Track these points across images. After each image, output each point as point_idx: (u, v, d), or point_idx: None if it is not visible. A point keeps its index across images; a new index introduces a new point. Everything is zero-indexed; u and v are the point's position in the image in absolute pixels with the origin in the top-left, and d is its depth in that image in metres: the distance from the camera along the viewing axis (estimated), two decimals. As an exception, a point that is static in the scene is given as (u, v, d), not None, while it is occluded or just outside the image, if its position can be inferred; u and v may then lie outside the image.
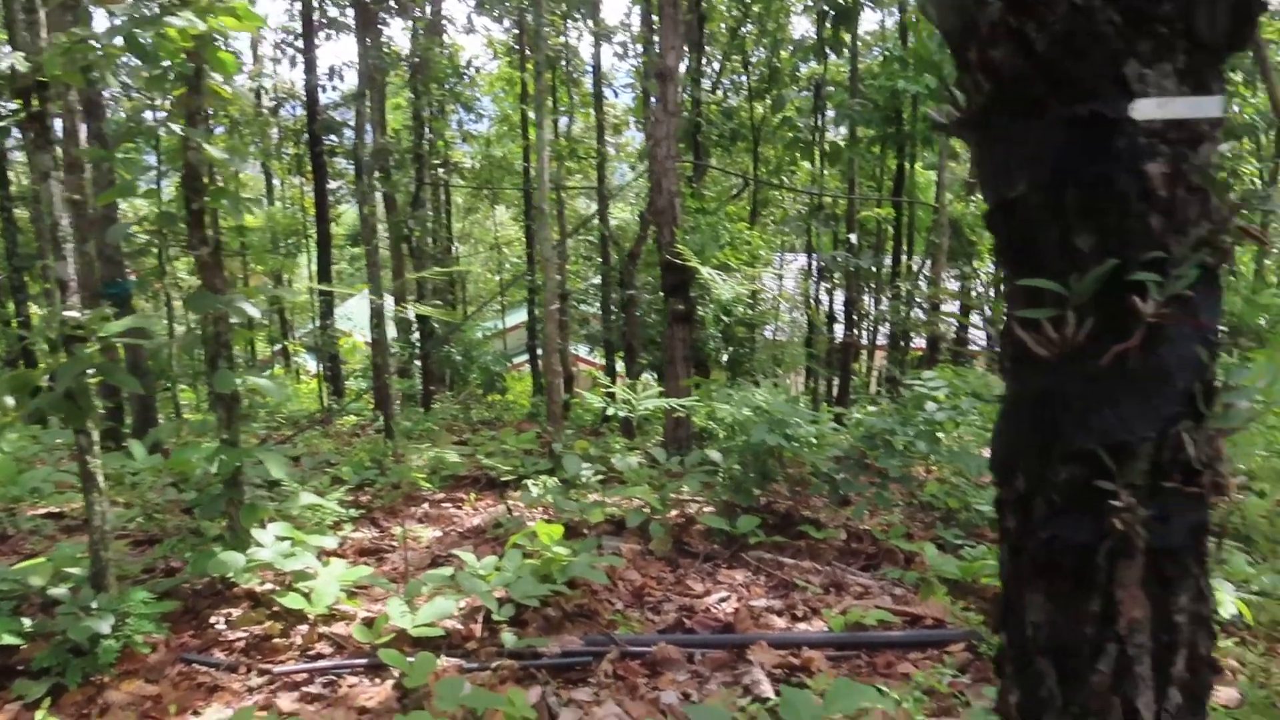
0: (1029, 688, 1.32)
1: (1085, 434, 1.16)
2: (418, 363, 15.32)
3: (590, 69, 15.29)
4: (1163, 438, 1.16)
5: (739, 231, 11.56)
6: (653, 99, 8.18)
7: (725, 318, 8.15)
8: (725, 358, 10.77)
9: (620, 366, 13.65)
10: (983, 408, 6.92)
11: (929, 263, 13.90)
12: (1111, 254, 1.10)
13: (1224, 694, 3.46)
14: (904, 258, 16.53)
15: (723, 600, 4.64)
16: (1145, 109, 1.03)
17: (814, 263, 12.64)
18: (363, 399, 14.34)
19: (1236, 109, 17.52)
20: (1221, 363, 1.22)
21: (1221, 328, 1.17)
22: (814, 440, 5.86)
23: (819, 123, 16.64)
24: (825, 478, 5.64)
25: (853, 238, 12.58)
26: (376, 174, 11.44)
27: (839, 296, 14.69)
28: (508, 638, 3.73)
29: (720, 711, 2.38)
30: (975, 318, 20.81)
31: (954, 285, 17.00)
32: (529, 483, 6.39)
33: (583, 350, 18.93)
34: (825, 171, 17.11)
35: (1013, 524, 1.30)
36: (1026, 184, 1.13)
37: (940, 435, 6.33)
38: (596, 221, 13.80)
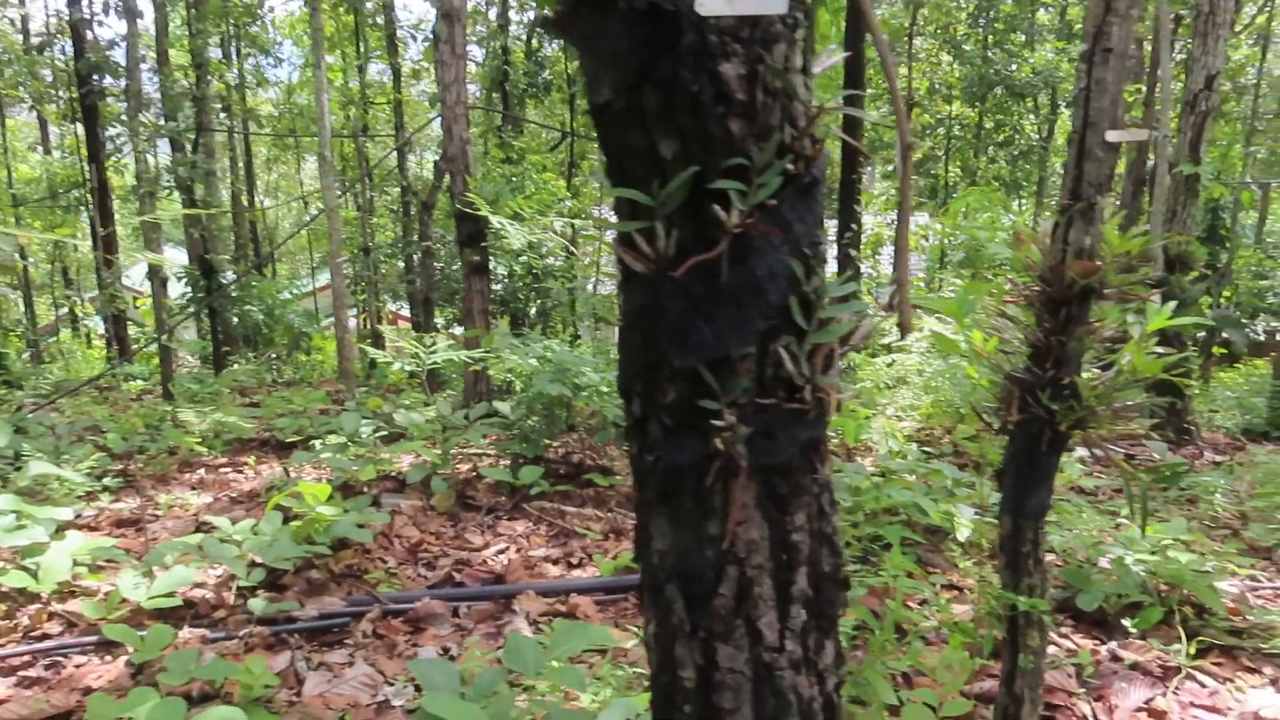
0: (662, 616, 1.29)
1: (685, 351, 1.11)
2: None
3: (385, 9, 14.63)
4: (763, 354, 1.13)
5: (545, 182, 11.40)
6: (441, 41, 7.84)
7: (516, 267, 7.99)
8: (534, 310, 10.65)
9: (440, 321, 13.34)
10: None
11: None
12: (694, 161, 1.05)
13: (960, 609, 3.67)
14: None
15: (500, 552, 4.57)
16: (710, 4, 0.98)
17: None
18: (152, 362, 13.43)
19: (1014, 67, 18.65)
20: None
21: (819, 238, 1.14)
22: (604, 389, 5.86)
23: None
24: (609, 424, 5.65)
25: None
26: (157, 118, 10.59)
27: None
28: (256, 604, 3.52)
29: (443, 664, 2.30)
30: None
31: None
32: (317, 443, 6.13)
33: (407, 308, 18.39)
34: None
35: (635, 449, 1.25)
36: (611, 87, 1.06)
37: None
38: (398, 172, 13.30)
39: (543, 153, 20.48)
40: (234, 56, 17.94)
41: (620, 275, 1.19)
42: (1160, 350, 2.09)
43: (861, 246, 16.05)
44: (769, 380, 1.15)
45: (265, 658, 3.20)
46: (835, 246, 13.64)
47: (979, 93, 18.71)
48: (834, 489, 1.30)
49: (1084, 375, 2.04)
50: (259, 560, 3.83)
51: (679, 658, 1.28)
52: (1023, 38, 20.18)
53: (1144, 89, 15.92)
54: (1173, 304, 2.07)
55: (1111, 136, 1.88)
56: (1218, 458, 7.27)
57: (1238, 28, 18.38)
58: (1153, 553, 3.79)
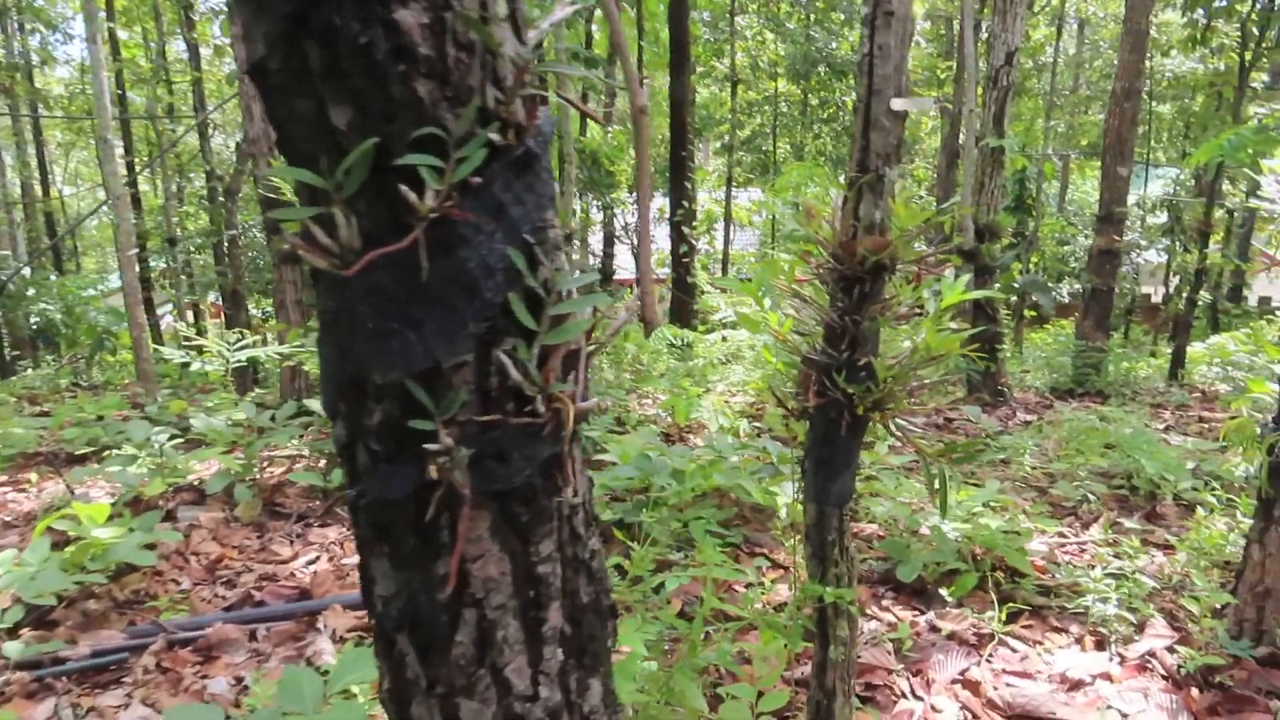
0: (395, 671, 1.10)
1: (386, 363, 0.92)
2: None
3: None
4: (484, 361, 0.95)
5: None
6: (236, 14, 7.26)
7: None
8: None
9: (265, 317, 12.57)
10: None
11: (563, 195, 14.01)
12: (373, 132, 0.85)
13: (784, 591, 3.63)
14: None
15: (311, 563, 4.26)
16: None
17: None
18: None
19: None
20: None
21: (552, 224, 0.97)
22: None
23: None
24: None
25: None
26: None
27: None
28: (13, 647, 3.12)
29: (204, 711, 2.04)
30: (623, 248, 21.47)
31: (597, 215, 17.31)
32: (115, 453, 5.58)
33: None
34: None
35: (346, 478, 1.05)
36: (265, 41, 0.85)
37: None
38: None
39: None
40: (15, 32, 16.38)
41: (309, 274, 0.99)
42: (955, 326, 2.03)
43: (696, 223, 16.17)
44: (494, 392, 0.97)
45: (23, 709, 2.83)
46: (669, 224, 13.65)
47: (803, 70, 19.11)
48: (589, 506, 1.14)
49: (882, 355, 1.97)
50: (17, 596, 3.40)
51: (417, 718, 1.09)
52: (842, 16, 20.75)
53: (955, 66, 16.62)
54: (970, 277, 2.02)
55: (897, 105, 1.80)
56: (1028, 417, 7.63)
57: (1036, 7, 19.48)
58: (965, 520, 3.86)
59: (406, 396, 0.94)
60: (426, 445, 0.94)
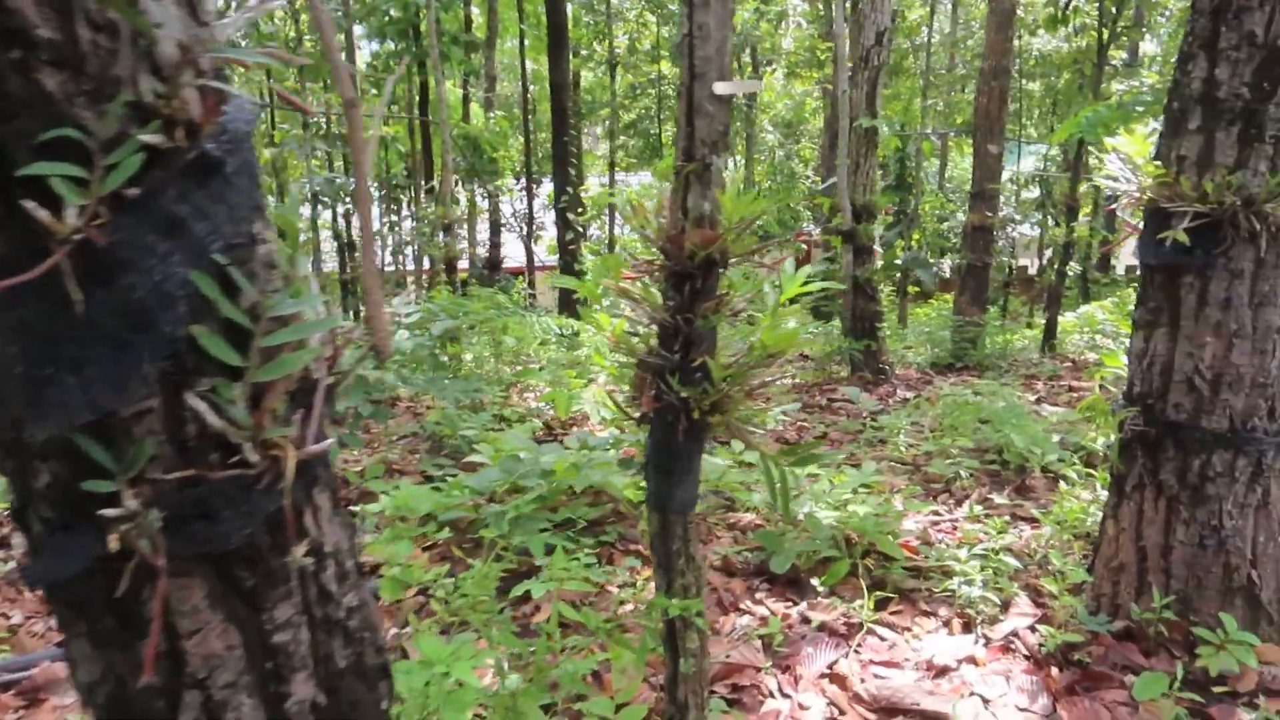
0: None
1: (42, 416, 0.76)
2: None
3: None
4: (176, 406, 0.80)
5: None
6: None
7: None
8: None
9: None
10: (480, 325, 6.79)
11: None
12: (-10, 135, 0.69)
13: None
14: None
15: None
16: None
17: (309, 186, 11.70)
18: None
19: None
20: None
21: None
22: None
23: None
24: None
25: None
26: None
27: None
28: None
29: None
30: (511, 236, 21.15)
31: (483, 204, 16.95)
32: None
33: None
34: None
35: (27, 550, 0.89)
36: None
37: (441, 362, 6.10)
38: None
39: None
40: None
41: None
42: (795, 321, 1.95)
43: (583, 210, 16.03)
44: (192, 442, 0.81)
45: None
46: (554, 211, 13.45)
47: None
48: (347, 557, 1.00)
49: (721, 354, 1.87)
50: None
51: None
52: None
53: (834, 47, 16.82)
54: (807, 269, 1.93)
55: (720, 89, 1.69)
56: (908, 394, 7.74)
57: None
58: (838, 506, 3.84)
59: (77, 454, 0.78)
60: (105, 510, 0.78)
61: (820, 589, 3.43)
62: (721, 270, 1.79)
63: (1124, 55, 16.11)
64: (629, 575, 3.57)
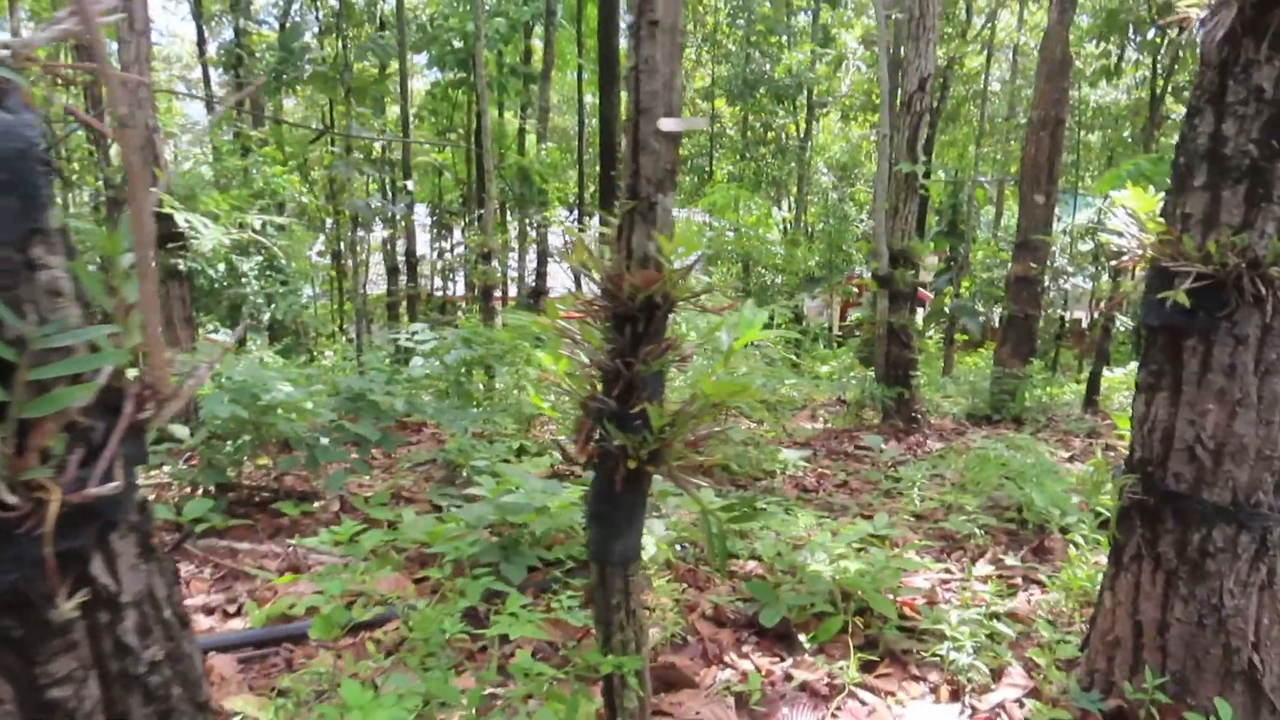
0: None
1: None
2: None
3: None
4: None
5: (276, 175, 10.58)
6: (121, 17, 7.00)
7: (208, 269, 7.25)
8: (266, 318, 9.84)
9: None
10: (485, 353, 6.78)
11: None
12: None
13: (654, 633, 3.45)
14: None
15: (160, 601, 4.00)
16: None
17: (349, 210, 11.89)
18: None
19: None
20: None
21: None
22: (308, 405, 5.34)
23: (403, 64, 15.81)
24: (302, 446, 5.13)
25: (409, 184, 12.00)
26: None
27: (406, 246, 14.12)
28: None
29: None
30: (560, 266, 21.28)
31: (532, 233, 17.09)
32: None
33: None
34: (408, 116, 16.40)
35: None
36: None
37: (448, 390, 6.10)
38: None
39: (304, 143, 19.36)
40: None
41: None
42: (745, 369, 1.88)
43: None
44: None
45: None
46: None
47: (741, 92, 19.14)
48: (155, 607, 0.95)
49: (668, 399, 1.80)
50: None
51: None
52: (782, 39, 20.86)
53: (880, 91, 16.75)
54: (760, 313, 1.86)
55: (666, 125, 1.64)
56: (939, 444, 7.56)
57: (970, 35, 19.75)
58: (838, 559, 3.72)
59: None
60: None
61: (808, 646, 3.31)
62: (669, 313, 1.73)
63: (1182, 109, 15.76)
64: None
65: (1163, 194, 2.60)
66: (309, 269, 11.75)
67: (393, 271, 13.94)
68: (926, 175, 8.30)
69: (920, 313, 21.37)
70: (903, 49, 7.82)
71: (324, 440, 5.22)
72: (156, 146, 7.20)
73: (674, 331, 1.78)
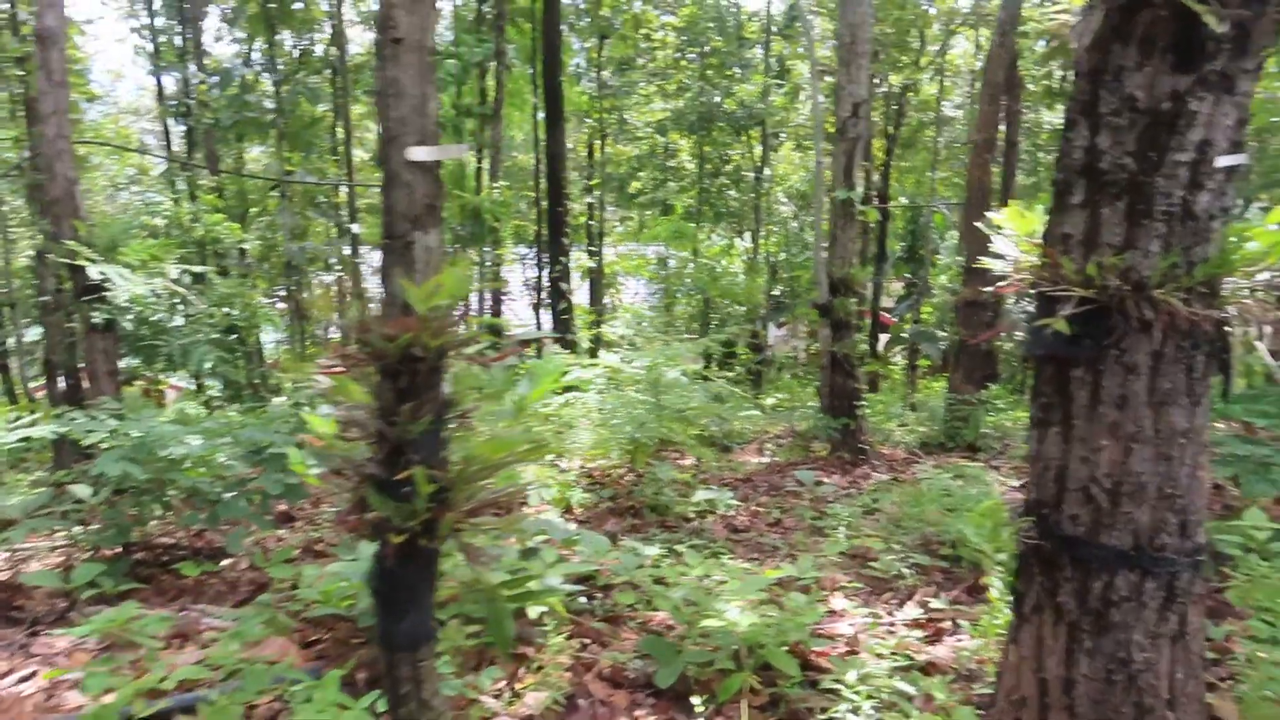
0: None
1: None
2: None
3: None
4: None
5: (215, 223, 10.32)
6: (39, 68, 6.80)
7: (124, 321, 6.95)
8: (208, 367, 9.54)
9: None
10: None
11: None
12: None
13: (531, 702, 3.19)
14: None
15: (26, 679, 3.69)
16: None
17: (287, 255, 11.63)
18: None
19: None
20: None
21: None
22: (219, 459, 5.07)
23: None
24: (205, 502, 4.85)
25: (354, 228, 11.76)
26: None
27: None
28: None
29: None
30: (518, 305, 21.08)
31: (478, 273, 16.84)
32: None
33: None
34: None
35: None
36: None
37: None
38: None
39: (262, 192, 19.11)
40: None
41: None
42: (524, 427, 1.65)
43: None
44: None
45: None
46: (547, 280, 13.29)
47: (693, 125, 19.09)
48: None
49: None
50: None
51: None
52: (737, 72, 20.87)
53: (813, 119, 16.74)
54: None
55: (417, 155, 1.42)
56: (886, 476, 7.34)
57: (922, 61, 19.83)
58: (746, 610, 3.48)
59: None
60: None
61: (701, 709, 3.05)
62: (438, 365, 1.50)
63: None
64: (508, 680, 3.23)
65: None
66: (258, 316, 11.47)
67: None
68: (866, 201, 8.15)
69: (883, 339, 21.30)
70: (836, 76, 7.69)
71: (226, 495, 4.95)
72: (76, 199, 6.97)
73: (467, 384, 1.55)
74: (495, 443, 1.48)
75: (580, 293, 21.90)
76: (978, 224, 8.52)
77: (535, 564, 3.56)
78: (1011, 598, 2.58)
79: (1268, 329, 2.24)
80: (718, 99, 17.88)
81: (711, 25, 18.47)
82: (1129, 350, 2.18)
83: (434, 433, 1.52)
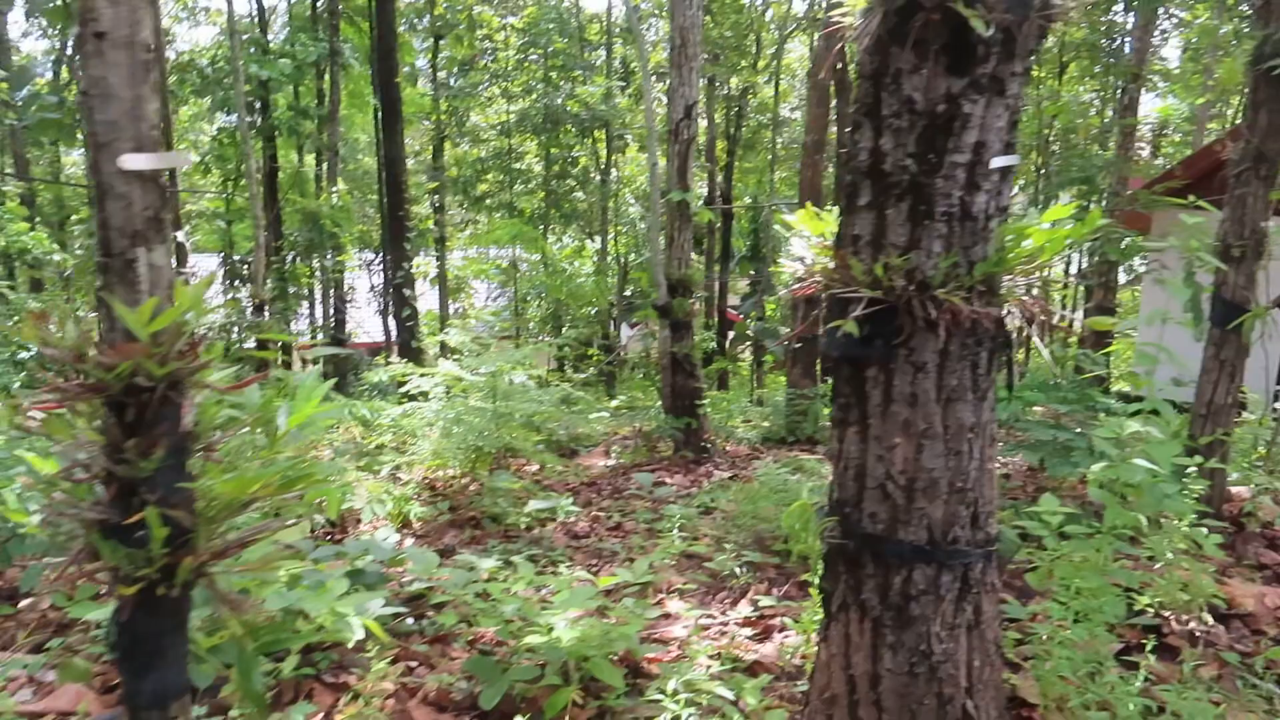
0: None
1: None
2: None
3: None
4: None
5: (19, 233, 9.56)
6: None
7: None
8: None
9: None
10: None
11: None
12: None
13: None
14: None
15: None
16: None
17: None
18: None
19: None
20: None
21: None
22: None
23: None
24: (-9, 541, 4.43)
25: (179, 235, 11.12)
26: None
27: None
28: None
29: None
30: (364, 312, 20.46)
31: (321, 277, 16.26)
32: None
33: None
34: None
35: None
36: None
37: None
38: None
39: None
40: None
41: None
42: (291, 454, 1.53)
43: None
44: None
45: None
46: (388, 286, 12.92)
47: (538, 128, 18.97)
48: None
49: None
50: None
51: None
52: (581, 73, 20.86)
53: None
54: (323, 384, 1.53)
55: (132, 163, 1.28)
56: (727, 473, 7.43)
57: (760, 65, 20.34)
58: (575, 621, 3.41)
59: None
60: None
61: (522, 729, 2.97)
62: (171, 396, 1.37)
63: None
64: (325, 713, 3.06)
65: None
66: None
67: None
68: (710, 202, 8.25)
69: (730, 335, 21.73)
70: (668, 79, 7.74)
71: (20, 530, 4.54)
72: None
73: (211, 414, 1.41)
74: (240, 479, 1.36)
75: (432, 297, 21.46)
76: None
77: (346, 597, 3.40)
78: (821, 596, 2.61)
79: (1042, 323, 2.32)
80: (560, 101, 17.79)
81: (552, 27, 18.37)
82: (917, 349, 2.23)
83: (172, 469, 1.39)
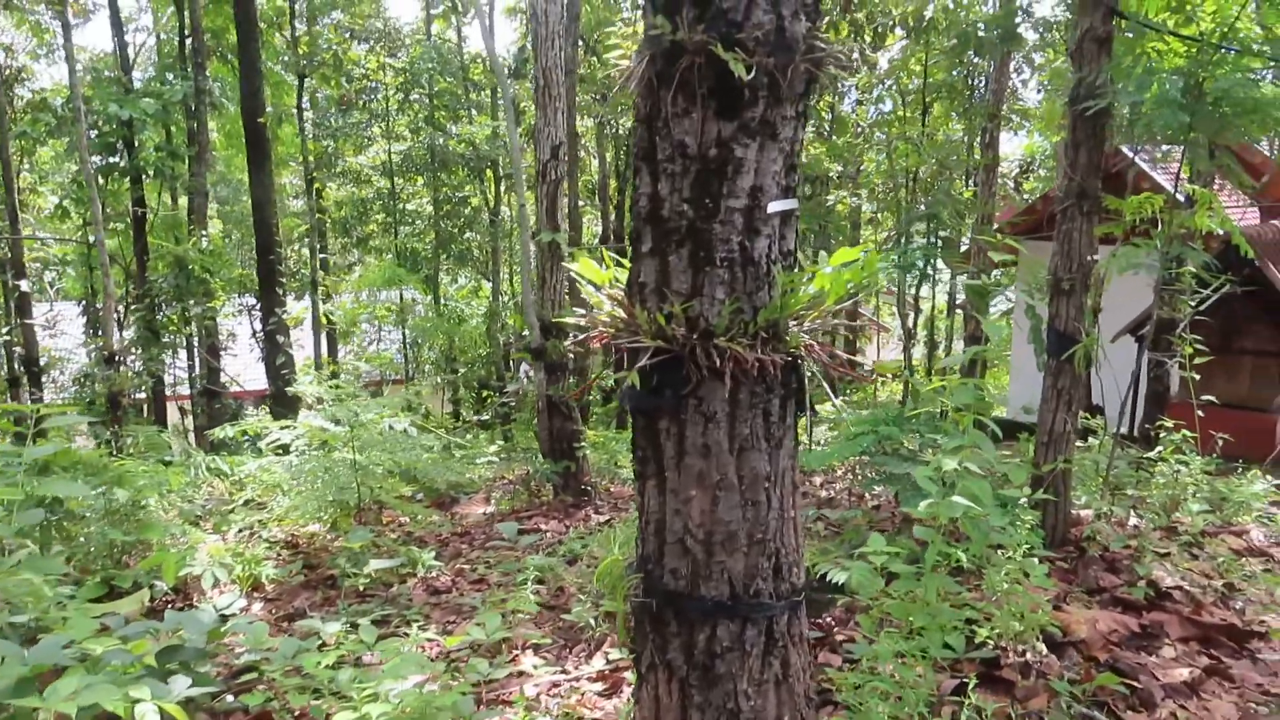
0: None
1: None
2: None
3: None
4: None
5: None
6: None
7: None
8: None
9: None
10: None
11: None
12: None
13: None
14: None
15: None
16: None
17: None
18: None
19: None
20: None
21: None
22: None
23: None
24: None
25: (24, 284, 10.53)
26: None
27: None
28: None
29: None
30: (247, 359, 19.77)
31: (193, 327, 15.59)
32: None
33: None
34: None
35: None
36: None
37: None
38: None
39: None
40: None
41: None
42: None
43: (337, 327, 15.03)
44: None
45: None
46: (263, 332, 12.49)
47: (425, 168, 18.75)
48: None
49: None
50: None
51: None
52: (468, 114, 20.73)
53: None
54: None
55: None
56: (605, 517, 7.32)
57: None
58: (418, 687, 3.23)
59: None
60: None
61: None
62: None
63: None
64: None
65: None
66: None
67: (13, 383, 12.09)
68: (604, 242, 8.18)
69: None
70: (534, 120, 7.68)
71: None
72: None
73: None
74: None
75: (320, 342, 20.86)
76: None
77: (141, 680, 3.16)
78: (632, 657, 2.51)
79: (822, 365, 2.28)
80: (442, 141, 17.61)
81: (433, 66, 18.21)
82: (706, 399, 2.16)
83: None
